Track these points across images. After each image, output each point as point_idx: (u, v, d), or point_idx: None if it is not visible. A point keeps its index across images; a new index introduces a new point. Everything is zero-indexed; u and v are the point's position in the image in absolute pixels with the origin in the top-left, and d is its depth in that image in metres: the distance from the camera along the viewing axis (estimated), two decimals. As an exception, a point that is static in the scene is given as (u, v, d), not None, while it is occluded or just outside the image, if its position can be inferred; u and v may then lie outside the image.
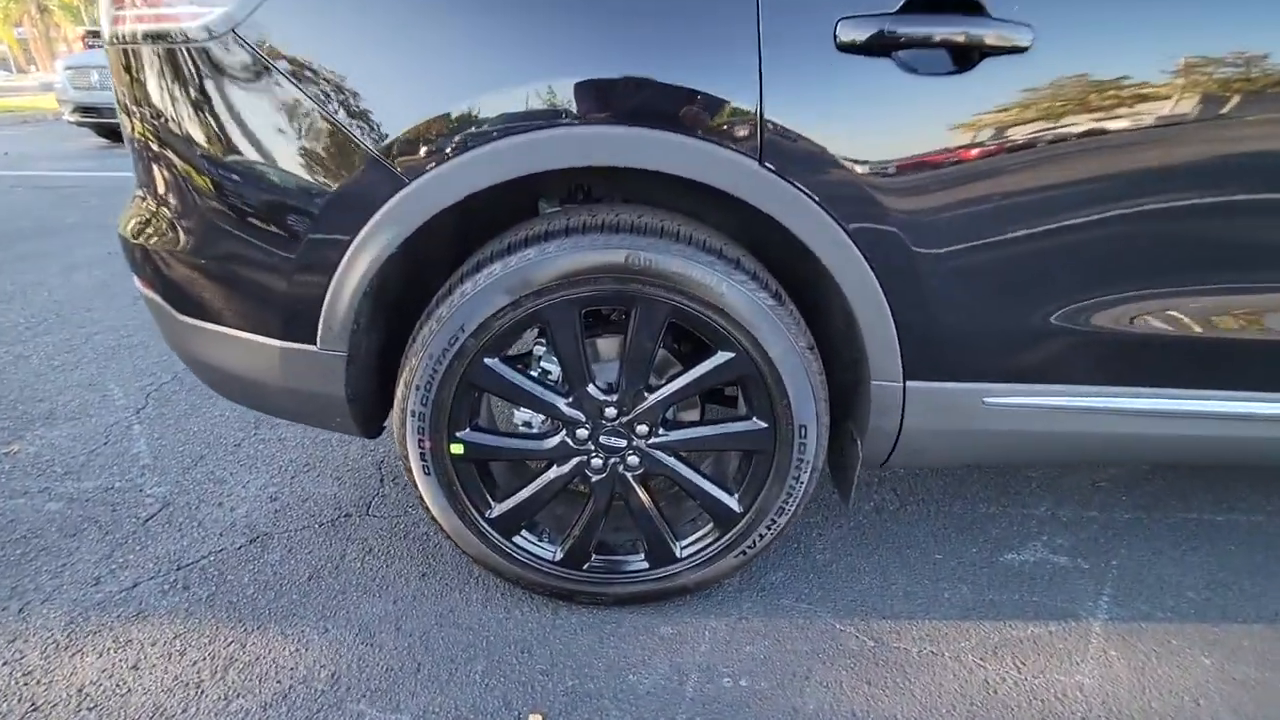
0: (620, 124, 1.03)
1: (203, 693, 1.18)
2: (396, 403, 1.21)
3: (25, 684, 1.19)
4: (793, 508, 1.26)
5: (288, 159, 1.11)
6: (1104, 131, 1.01)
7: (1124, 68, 0.99)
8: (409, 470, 1.25)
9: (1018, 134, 1.02)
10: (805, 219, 1.05)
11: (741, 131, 1.02)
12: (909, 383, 1.17)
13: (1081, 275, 1.11)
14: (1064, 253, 1.09)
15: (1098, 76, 0.99)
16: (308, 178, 1.10)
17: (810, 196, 1.03)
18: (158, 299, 1.30)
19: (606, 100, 1.03)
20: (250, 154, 1.11)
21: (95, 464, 1.83)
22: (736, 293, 1.10)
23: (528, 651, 1.28)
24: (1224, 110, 1.02)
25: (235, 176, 1.14)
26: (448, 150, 1.04)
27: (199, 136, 1.14)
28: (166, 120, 1.16)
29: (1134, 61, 0.99)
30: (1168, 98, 1.00)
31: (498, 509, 1.29)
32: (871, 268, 1.07)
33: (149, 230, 1.29)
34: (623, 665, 1.25)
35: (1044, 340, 1.16)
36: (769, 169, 1.03)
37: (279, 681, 1.21)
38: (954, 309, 1.13)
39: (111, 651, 1.26)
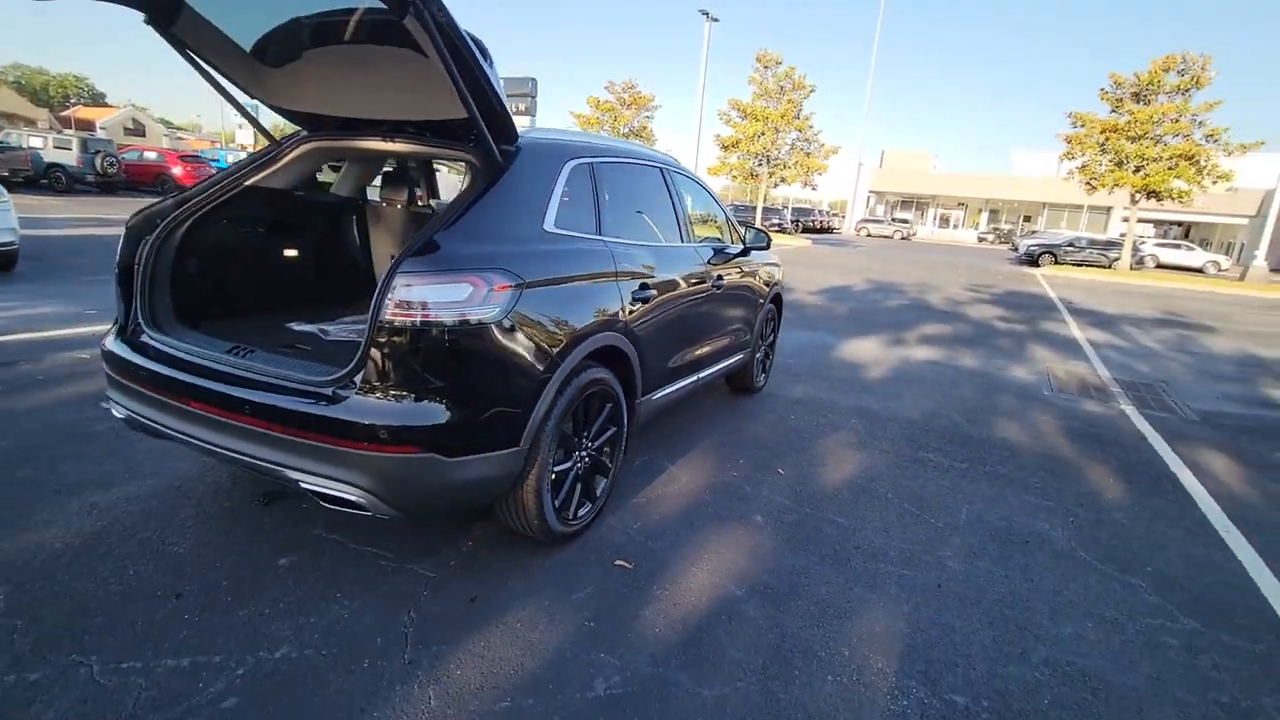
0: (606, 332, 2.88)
1: None
2: (537, 462, 2.60)
3: None
4: (620, 461, 3.30)
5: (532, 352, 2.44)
6: (670, 298, 3.56)
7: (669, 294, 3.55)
8: (536, 496, 2.64)
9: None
10: (628, 349, 3.13)
11: (619, 324, 3.02)
12: (642, 397, 3.41)
13: (671, 347, 3.62)
14: (668, 340, 3.58)
15: (673, 291, 3.52)
16: (536, 360, 2.46)
17: (630, 340, 3.13)
18: (425, 455, 2.17)
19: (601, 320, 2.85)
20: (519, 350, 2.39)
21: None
22: (612, 380, 3.07)
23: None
24: (682, 294, 3.71)
25: (511, 367, 2.37)
26: (575, 340, 2.64)
27: (483, 356, 2.30)
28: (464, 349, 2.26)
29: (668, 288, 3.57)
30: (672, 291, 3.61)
31: (558, 500, 2.82)
32: (639, 355, 3.25)
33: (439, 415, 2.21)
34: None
35: (664, 373, 3.61)
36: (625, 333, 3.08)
37: None
38: (645, 369, 3.42)
39: None
